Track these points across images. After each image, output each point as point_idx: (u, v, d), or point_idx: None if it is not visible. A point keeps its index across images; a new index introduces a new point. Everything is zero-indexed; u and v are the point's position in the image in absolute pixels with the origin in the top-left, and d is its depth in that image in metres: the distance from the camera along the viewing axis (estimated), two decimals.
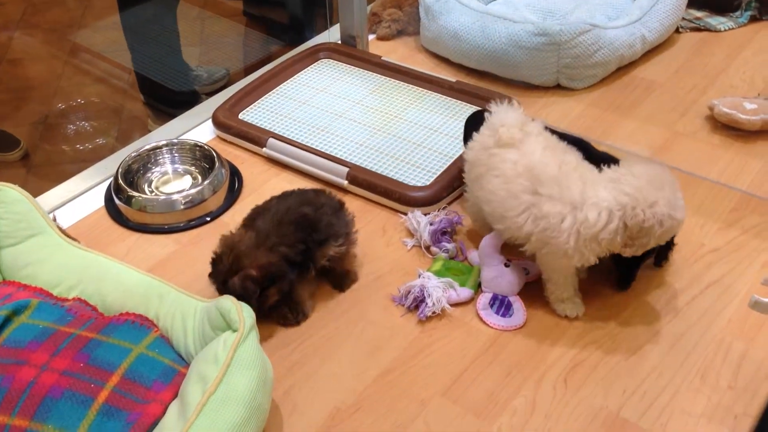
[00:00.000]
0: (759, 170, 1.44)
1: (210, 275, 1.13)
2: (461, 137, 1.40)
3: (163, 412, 0.93)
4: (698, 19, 1.90)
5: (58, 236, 1.16)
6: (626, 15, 1.72)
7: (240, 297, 1.03)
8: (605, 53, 1.64)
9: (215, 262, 1.12)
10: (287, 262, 1.11)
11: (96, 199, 1.42)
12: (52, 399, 0.92)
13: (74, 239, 1.18)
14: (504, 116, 1.15)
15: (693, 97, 1.64)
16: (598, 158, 1.16)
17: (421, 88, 1.66)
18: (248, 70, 1.95)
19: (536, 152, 1.10)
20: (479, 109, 1.50)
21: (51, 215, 1.28)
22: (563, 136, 1.19)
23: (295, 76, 1.71)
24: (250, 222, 1.17)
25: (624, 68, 1.74)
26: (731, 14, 1.91)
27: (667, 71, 1.74)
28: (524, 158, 1.10)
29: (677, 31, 1.86)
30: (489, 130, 1.16)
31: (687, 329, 1.14)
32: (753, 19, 1.91)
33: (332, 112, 1.60)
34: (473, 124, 1.36)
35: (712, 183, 1.40)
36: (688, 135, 1.53)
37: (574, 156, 1.12)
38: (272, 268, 1.10)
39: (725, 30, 1.88)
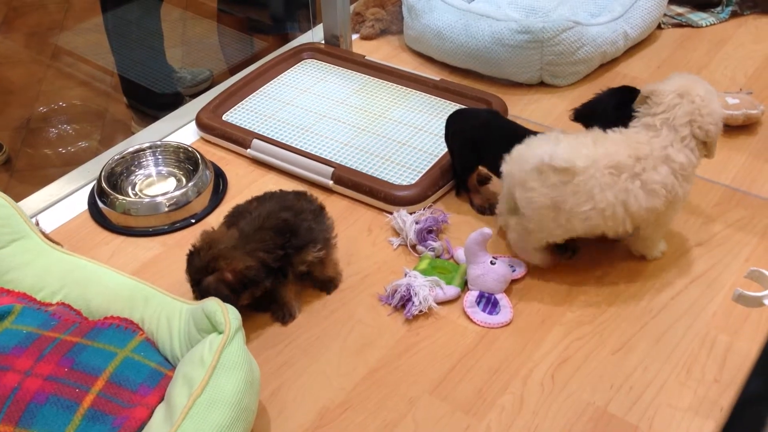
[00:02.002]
0: (742, 165, 1.45)
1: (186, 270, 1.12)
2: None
3: (150, 416, 0.92)
4: (680, 15, 1.92)
5: (40, 241, 1.15)
6: (608, 12, 1.73)
7: (215, 292, 1.04)
8: (588, 50, 1.65)
9: (192, 255, 1.10)
10: (265, 268, 1.10)
11: (79, 203, 1.41)
12: (36, 405, 0.91)
13: (57, 243, 1.18)
14: (554, 149, 1.11)
15: None
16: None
17: (405, 87, 1.66)
18: (232, 71, 1.95)
19: (595, 150, 1.11)
20: (461, 107, 1.51)
21: (33, 219, 1.27)
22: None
23: (278, 77, 1.71)
24: (231, 221, 1.16)
25: (607, 65, 1.75)
26: (712, 10, 1.93)
27: (649, 67, 1.75)
28: (600, 161, 1.10)
29: (659, 27, 1.87)
30: (553, 172, 1.10)
31: (672, 323, 1.15)
32: (734, 15, 1.92)
33: (316, 113, 1.59)
34: (454, 122, 1.37)
35: (696, 178, 1.41)
36: None
37: (600, 131, 1.16)
38: (249, 273, 1.09)
39: (707, 26, 1.89)
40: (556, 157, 1.09)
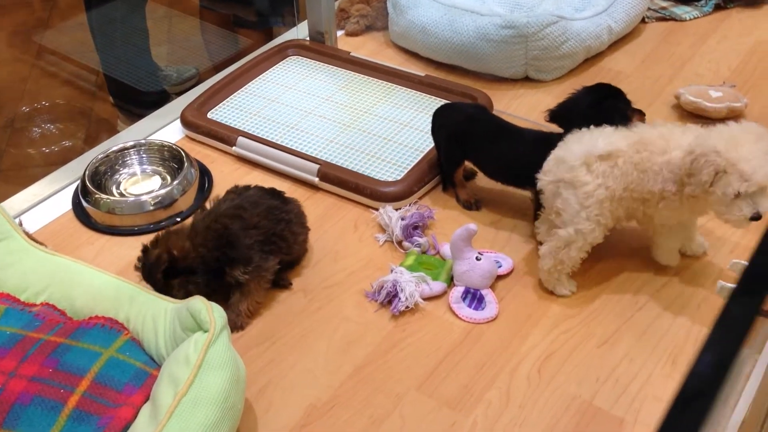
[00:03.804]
0: None
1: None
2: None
3: (135, 416, 0.92)
4: (664, 8, 1.92)
5: (24, 241, 1.14)
6: (592, 6, 1.73)
7: (146, 266, 1.09)
8: (572, 44, 1.65)
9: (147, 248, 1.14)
10: (203, 264, 1.11)
11: (63, 203, 1.41)
12: (21, 405, 0.91)
13: (41, 243, 1.17)
14: (594, 142, 1.11)
15: (660, 87, 1.66)
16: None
17: (390, 83, 1.66)
18: (218, 69, 1.93)
19: (627, 136, 1.12)
20: (447, 102, 1.51)
21: (17, 220, 1.27)
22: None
23: (263, 74, 1.70)
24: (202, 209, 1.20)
25: (591, 59, 1.75)
26: (696, 3, 1.93)
27: (634, 61, 1.75)
28: (633, 145, 1.10)
29: (643, 21, 1.88)
30: (600, 160, 1.10)
31: (657, 316, 1.15)
32: (717, 8, 1.93)
33: (302, 109, 1.59)
34: (440, 116, 1.37)
35: None
36: None
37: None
38: (188, 258, 1.10)
39: (690, 19, 1.90)
40: (598, 147, 1.10)
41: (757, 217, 1.05)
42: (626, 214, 1.14)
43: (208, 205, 1.20)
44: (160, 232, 1.15)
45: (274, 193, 1.23)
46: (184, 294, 1.09)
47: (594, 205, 1.11)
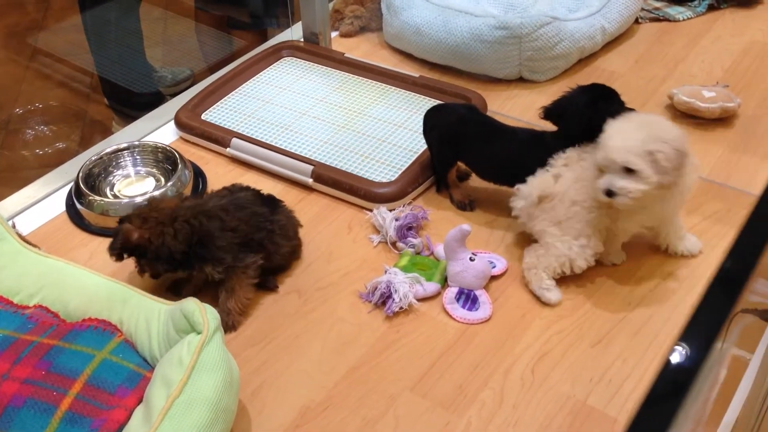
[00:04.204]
0: (719, 157, 1.46)
1: None
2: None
3: (128, 418, 0.92)
4: (657, 9, 1.93)
5: (17, 243, 1.14)
6: (586, 6, 1.73)
7: (113, 238, 1.12)
8: (566, 45, 1.66)
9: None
10: (167, 254, 1.10)
11: (57, 204, 1.40)
12: (13, 408, 0.90)
13: (34, 245, 1.17)
14: (531, 189, 1.19)
15: (653, 87, 1.66)
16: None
17: (384, 84, 1.66)
18: (213, 70, 1.94)
19: (565, 170, 1.18)
20: (440, 102, 1.51)
21: (10, 222, 1.26)
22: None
23: (257, 75, 1.70)
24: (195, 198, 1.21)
25: (585, 60, 1.75)
26: (689, 3, 1.94)
27: (627, 62, 1.75)
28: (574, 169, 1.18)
29: (637, 21, 1.88)
30: (538, 202, 1.19)
31: (650, 316, 1.15)
32: (711, 8, 1.93)
33: (296, 111, 1.59)
34: (432, 117, 1.37)
35: None
36: None
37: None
38: (148, 246, 1.10)
39: (684, 19, 1.90)
40: (531, 194, 1.18)
41: (609, 194, 1.09)
42: (593, 226, 1.16)
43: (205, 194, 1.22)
44: (143, 206, 1.15)
45: (269, 200, 1.22)
46: (156, 275, 1.16)
47: (550, 236, 1.18)
